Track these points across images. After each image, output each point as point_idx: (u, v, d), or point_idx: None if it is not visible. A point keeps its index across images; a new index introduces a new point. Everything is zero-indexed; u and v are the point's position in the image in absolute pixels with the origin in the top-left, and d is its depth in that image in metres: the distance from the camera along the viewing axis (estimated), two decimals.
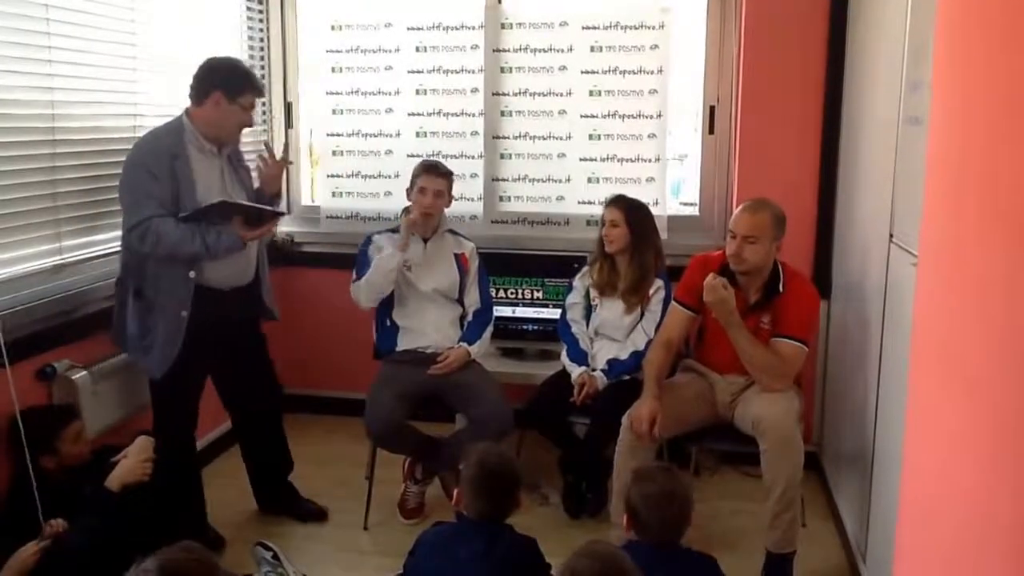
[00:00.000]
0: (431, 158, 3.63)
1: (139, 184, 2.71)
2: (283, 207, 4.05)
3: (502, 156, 4.00)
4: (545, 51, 3.88)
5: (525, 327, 3.78)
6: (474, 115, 3.99)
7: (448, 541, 2.20)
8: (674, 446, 3.12)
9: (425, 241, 3.33)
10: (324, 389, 4.17)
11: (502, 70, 3.94)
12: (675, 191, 4.40)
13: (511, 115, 3.96)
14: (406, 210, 3.35)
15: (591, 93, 3.87)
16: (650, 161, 3.85)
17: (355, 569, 2.94)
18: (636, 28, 3.79)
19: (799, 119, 3.51)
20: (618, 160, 3.88)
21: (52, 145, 2.78)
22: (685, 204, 4.26)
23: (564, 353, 3.32)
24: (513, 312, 3.77)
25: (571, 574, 1.76)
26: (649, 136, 3.85)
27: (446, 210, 3.39)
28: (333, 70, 4.08)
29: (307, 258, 4.16)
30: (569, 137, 3.92)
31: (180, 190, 2.73)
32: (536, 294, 3.78)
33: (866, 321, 2.85)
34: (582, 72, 3.86)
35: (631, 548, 1.99)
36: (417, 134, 4.04)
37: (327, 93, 4.11)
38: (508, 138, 3.98)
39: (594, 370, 3.21)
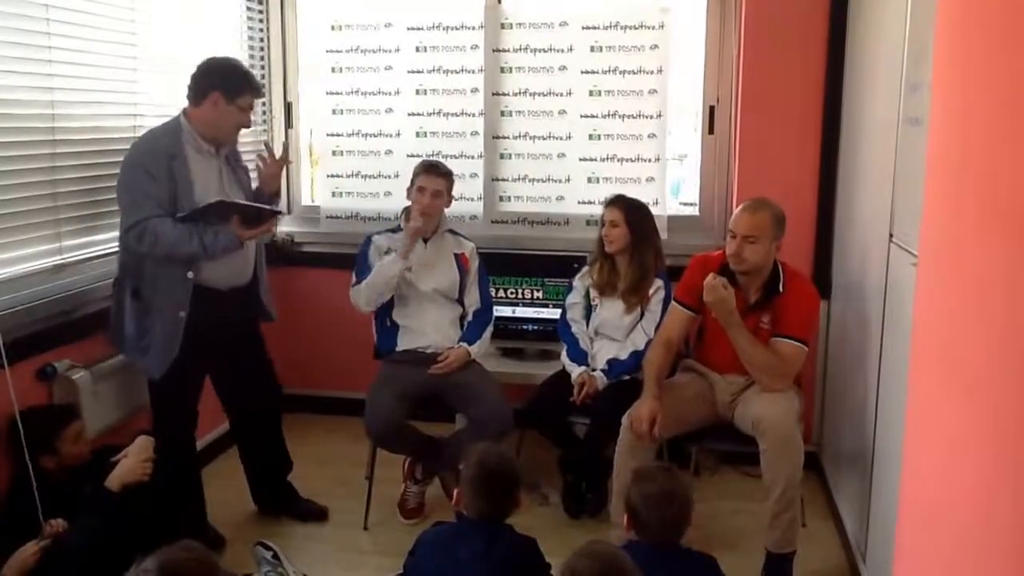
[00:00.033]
0: (431, 158, 3.64)
1: (137, 184, 2.71)
2: (283, 207, 4.06)
3: (502, 156, 4.00)
4: (545, 51, 3.88)
5: (525, 327, 3.78)
6: (474, 115, 3.99)
7: (448, 541, 2.20)
8: (674, 446, 3.12)
9: (425, 241, 3.33)
10: (324, 389, 4.17)
11: (502, 70, 3.94)
12: (675, 191, 4.40)
13: (511, 115, 3.96)
14: (406, 210, 3.35)
15: (591, 93, 3.87)
16: (650, 161, 3.85)
17: (355, 569, 2.94)
18: (636, 28, 3.79)
19: (799, 119, 3.51)
20: (618, 160, 3.88)
21: (52, 145, 2.78)
22: (685, 204, 4.26)
23: (564, 353, 3.32)
24: (513, 312, 3.77)
25: (571, 574, 1.76)
26: (649, 136, 3.85)
27: (446, 210, 3.39)
28: (333, 70, 4.08)
29: (307, 258, 4.16)
30: (569, 137, 3.92)
31: (178, 190, 2.73)
32: (536, 294, 3.78)
33: (866, 321, 2.85)
34: (582, 72, 3.86)
35: (631, 548, 1.99)
36: (417, 134, 4.04)
37: (327, 93, 4.11)
38: (508, 138, 3.98)
39: (594, 370, 3.21)
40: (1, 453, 2.48)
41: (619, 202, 3.29)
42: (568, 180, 3.95)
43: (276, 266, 3.83)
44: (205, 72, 2.82)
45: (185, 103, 2.84)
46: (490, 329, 3.39)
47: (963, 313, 1.51)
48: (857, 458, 2.88)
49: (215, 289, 2.85)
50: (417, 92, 4.02)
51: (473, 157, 4.01)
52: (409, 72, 4.01)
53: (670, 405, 2.88)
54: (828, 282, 3.49)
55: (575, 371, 3.20)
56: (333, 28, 4.05)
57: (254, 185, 3.11)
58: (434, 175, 3.27)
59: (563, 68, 3.87)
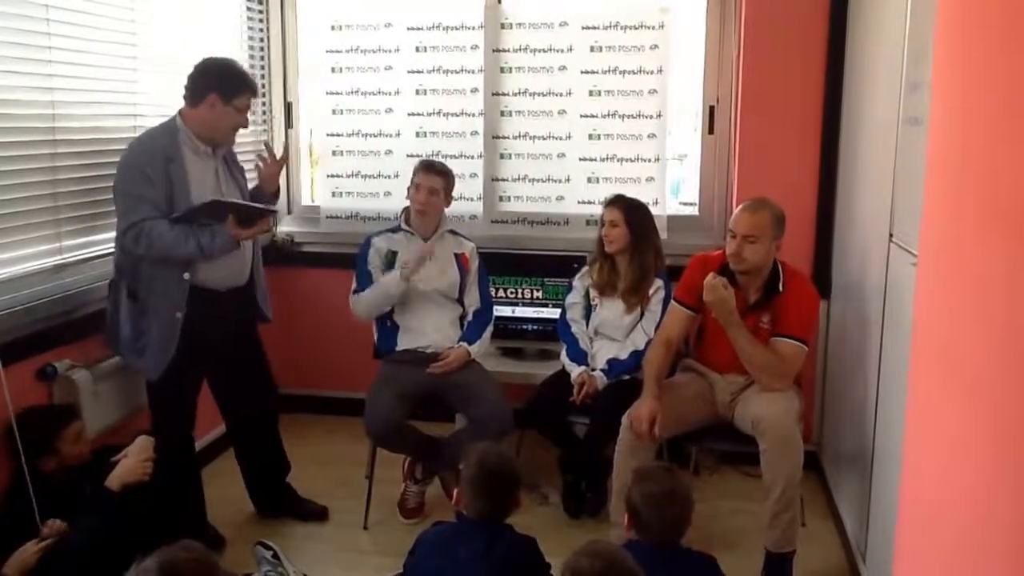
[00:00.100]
0: (430, 157, 3.64)
1: (133, 186, 2.70)
2: (282, 207, 4.08)
3: (502, 156, 4.00)
4: (545, 51, 3.88)
5: (525, 327, 3.78)
6: (474, 115, 3.99)
7: (448, 541, 2.21)
8: (674, 446, 3.12)
9: (425, 241, 3.33)
10: (324, 389, 4.17)
11: (502, 70, 3.94)
12: (675, 191, 4.41)
13: (511, 115, 3.96)
14: (406, 210, 3.36)
15: (591, 93, 3.87)
16: (650, 161, 3.85)
17: (355, 569, 2.94)
18: (636, 28, 3.79)
19: (799, 119, 3.52)
20: (618, 160, 3.88)
21: (52, 145, 2.77)
22: (685, 204, 4.26)
23: (564, 353, 3.32)
24: (513, 312, 3.77)
25: (572, 573, 1.76)
26: (649, 136, 3.85)
27: (446, 210, 3.39)
28: (333, 70, 4.08)
29: (307, 258, 4.16)
30: (569, 137, 3.92)
31: (174, 192, 2.72)
32: (536, 294, 3.78)
33: (866, 321, 2.86)
34: (582, 72, 3.86)
35: (631, 548, 1.99)
36: (417, 134, 4.04)
37: (327, 93, 4.11)
38: (508, 138, 3.98)
39: (594, 370, 3.21)
40: (1, 453, 2.48)
41: (619, 202, 3.29)
42: (568, 180, 3.95)
43: (276, 266, 3.84)
44: (201, 73, 2.81)
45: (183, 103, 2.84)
46: (490, 329, 3.39)
47: (963, 313, 1.52)
48: (857, 458, 2.88)
49: (212, 290, 2.84)
50: (417, 92, 4.02)
51: (473, 157, 4.01)
52: (409, 72, 4.01)
53: (670, 405, 2.88)
54: (828, 282, 3.49)
55: (575, 371, 3.20)
56: (333, 28, 4.05)
57: (252, 185, 3.11)
58: (430, 173, 3.27)
59: (563, 68, 3.87)
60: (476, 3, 3.91)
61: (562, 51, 3.87)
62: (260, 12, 4.06)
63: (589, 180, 3.92)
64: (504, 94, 3.95)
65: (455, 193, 3.41)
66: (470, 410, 3.20)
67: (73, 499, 2.38)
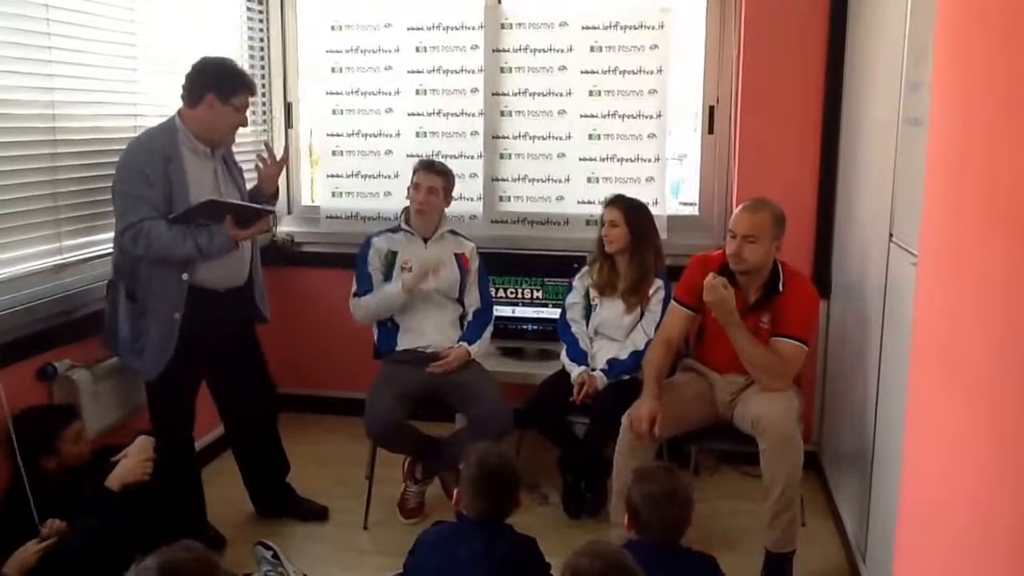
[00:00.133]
0: (429, 157, 3.64)
1: (132, 187, 2.70)
2: (282, 207, 4.08)
3: (502, 156, 4.00)
4: (545, 51, 3.88)
5: (525, 327, 3.78)
6: (474, 115, 3.99)
7: (448, 541, 2.21)
8: (674, 446, 3.12)
9: (425, 241, 3.33)
10: (324, 389, 4.18)
11: (502, 70, 3.94)
12: (675, 191, 4.40)
13: (511, 115, 3.96)
14: (406, 210, 3.36)
15: (591, 93, 3.87)
16: (650, 161, 3.85)
17: (355, 569, 2.94)
18: (636, 28, 3.79)
19: (799, 119, 3.52)
20: (618, 160, 3.88)
21: (52, 145, 2.78)
22: (685, 204, 4.26)
23: (564, 353, 3.32)
24: (513, 312, 3.77)
25: (573, 573, 1.76)
26: (649, 136, 3.85)
27: (446, 210, 3.39)
28: (333, 70, 4.08)
29: (307, 258, 4.16)
30: (569, 137, 3.92)
31: (173, 192, 2.72)
32: (536, 294, 3.78)
33: (866, 321, 2.86)
34: (582, 72, 3.86)
35: (632, 548, 1.99)
36: (417, 134, 4.04)
37: (327, 93, 4.11)
38: (508, 138, 3.98)
39: (594, 370, 3.21)
40: (1, 453, 2.48)
41: (619, 202, 3.29)
42: (568, 180, 3.95)
43: (276, 266, 3.85)
44: (199, 72, 2.80)
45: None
46: (490, 329, 3.39)
47: (963, 313, 1.52)
48: (857, 458, 2.88)
49: (211, 290, 2.84)
50: (417, 92, 4.02)
51: (473, 157, 4.01)
52: (409, 72, 4.01)
53: (670, 405, 2.88)
54: (828, 282, 3.49)
55: (575, 371, 3.20)
56: (333, 28, 4.05)
57: (251, 186, 3.11)
58: (430, 172, 3.27)
59: (563, 68, 3.87)
60: (476, 3, 3.91)
61: (562, 51, 3.87)
62: (260, 12, 4.06)
63: (589, 180, 3.92)
64: (504, 94, 3.95)
65: (455, 193, 3.41)
66: (470, 410, 3.20)
67: (73, 499, 2.38)
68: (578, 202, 3.94)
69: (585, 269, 3.40)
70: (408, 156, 3.96)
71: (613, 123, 3.87)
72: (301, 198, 4.30)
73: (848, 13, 3.38)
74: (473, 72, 3.96)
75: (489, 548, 2.13)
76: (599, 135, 3.89)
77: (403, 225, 3.35)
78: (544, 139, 3.95)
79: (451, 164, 3.42)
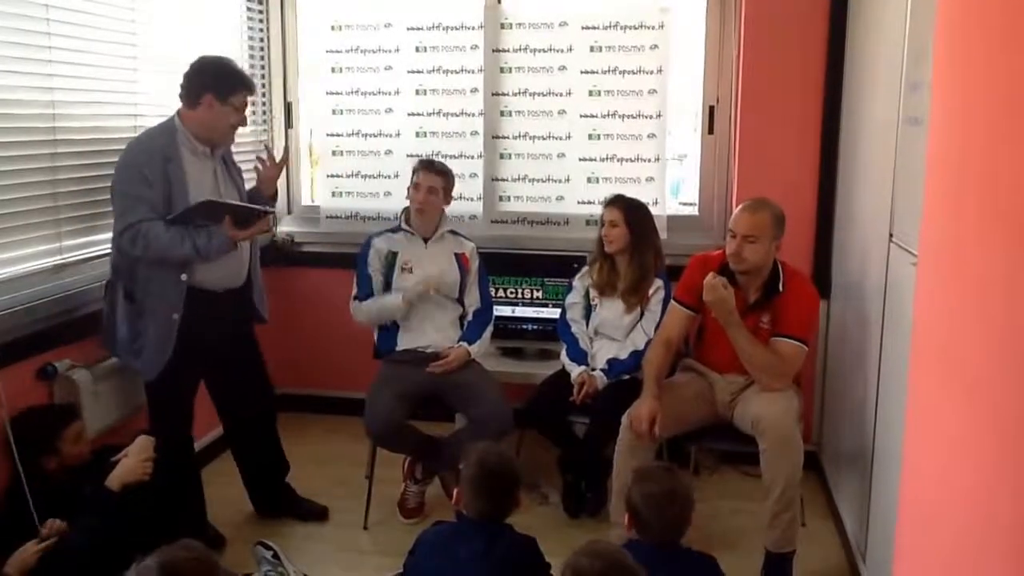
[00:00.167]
0: (429, 156, 3.64)
1: (131, 187, 2.70)
2: (281, 207, 4.08)
3: (502, 156, 4.00)
4: (545, 51, 3.88)
5: (525, 327, 3.78)
6: (474, 115, 3.99)
7: (448, 540, 2.21)
8: (674, 446, 3.12)
9: (426, 241, 3.33)
10: (324, 389, 4.18)
11: (502, 70, 3.94)
12: (675, 191, 4.41)
13: (511, 115, 3.96)
14: (406, 210, 3.36)
15: (591, 93, 3.87)
16: (650, 161, 3.85)
17: (355, 569, 2.94)
18: (636, 28, 3.79)
19: (799, 119, 3.51)
20: (618, 160, 3.88)
21: (52, 145, 2.77)
22: (685, 204, 4.26)
23: (564, 352, 3.32)
24: (513, 312, 3.77)
25: (573, 573, 1.76)
26: (649, 136, 3.85)
27: (446, 210, 3.39)
28: (333, 70, 4.08)
29: (307, 258, 4.16)
30: (569, 137, 3.92)
31: (173, 193, 2.72)
32: (536, 294, 3.78)
33: (866, 321, 2.86)
34: (582, 72, 3.86)
35: (632, 548, 1.99)
36: (417, 134, 4.04)
37: (327, 93, 4.11)
38: (508, 138, 3.98)
39: (594, 370, 3.21)
40: (2, 454, 2.48)
41: (618, 202, 3.29)
42: (568, 180, 3.95)
43: (276, 266, 3.85)
44: (196, 72, 2.80)
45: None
46: (490, 329, 3.40)
47: (963, 313, 1.52)
48: (857, 458, 2.88)
49: (209, 291, 2.84)
50: (417, 92, 4.02)
51: (473, 157, 4.01)
52: (409, 72, 4.01)
53: (670, 405, 2.88)
54: (828, 282, 3.50)
55: (575, 371, 3.20)
56: (333, 28, 4.05)
57: (250, 186, 3.11)
58: (430, 171, 3.28)
59: (563, 68, 3.87)
60: (476, 3, 3.91)
61: (562, 51, 3.86)
62: (260, 12, 4.06)
63: (589, 180, 3.92)
64: (504, 94, 3.95)
65: (455, 193, 3.41)
66: (470, 410, 3.20)
67: (73, 499, 2.38)
68: (578, 202, 3.94)
69: (585, 269, 3.40)
70: (408, 156, 3.96)
71: (613, 123, 3.87)
72: (301, 198, 4.30)
73: (848, 13, 3.38)
74: (473, 72, 3.96)
75: (489, 548, 2.13)
76: (599, 135, 3.89)
77: (403, 225, 3.35)
78: (544, 139, 3.95)
79: (451, 164, 3.42)
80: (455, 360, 3.22)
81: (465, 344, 3.28)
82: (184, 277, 2.75)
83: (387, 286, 3.31)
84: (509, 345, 3.80)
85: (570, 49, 3.86)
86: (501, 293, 3.74)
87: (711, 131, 3.82)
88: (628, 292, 3.26)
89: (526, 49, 3.90)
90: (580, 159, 3.92)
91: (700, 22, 3.77)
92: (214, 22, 3.69)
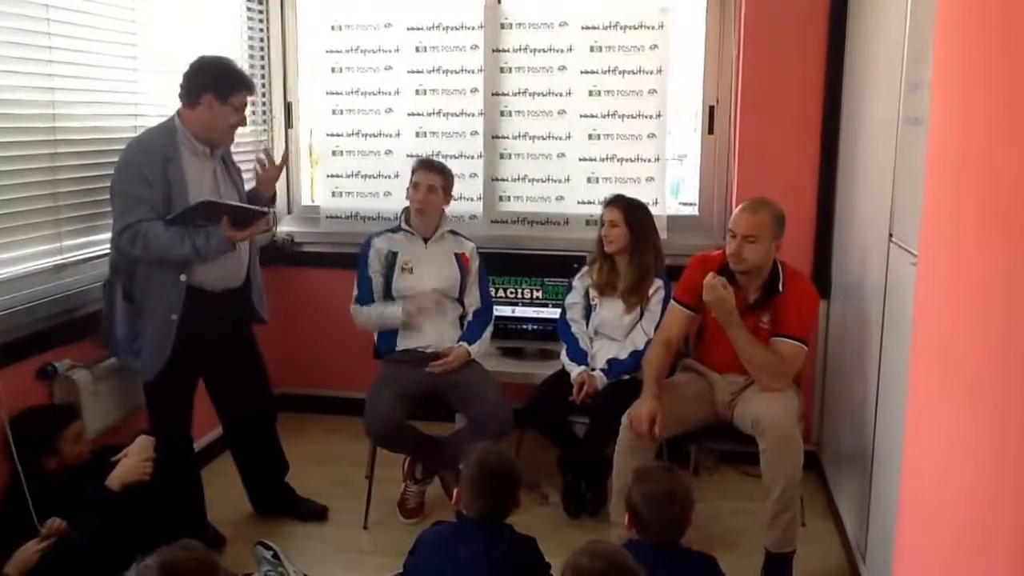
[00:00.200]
0: (428, 156, 3.64)
1: (131, 187, 2.70)
2: (281, 207, 4.08)
3: (502, 156, 4.00)
4: (545, 51, 3.88)
5: (525, 327, 3.78)
6: (474, 115, 3.99)
7: (448, 540, 2.21)
8: (674, 446, 3.12)
9: (426, 241, 3.33)
10: (324, 389, 4.18)
11: (502, 70, 3.94)
12: (674, 191, 4.41)
13: (511, 115, 3.96)
14: (406, 210, 3.36)
15: (591, 93, 3.87)
16: (649, 161, 3.85)
17: (355, 569, 2.94)
18: (636, 28, 3.79)
19: (799, 119, 3.52)
20: (618, 160, 3.88)
21: (52, 145, 2.77)
22: (684, 204, 4.27)
23: (564, 352, 3.32)
24: (513, 312, 3.77)
25: (573, 573, 1.76)
26: (648, 136, 3.85)
27: (446, 209, 3.39)
28: (333, 70, 4.08)
29: (307, 258, 4.16)
30: (569, 137, 3.92)
31: (172, 193, 2.71)
32: (536, 294, 3.78)
33: (866, 321, 2.86)
34: (582, 72, 3.86)
35: (631, 548, 1.99)
36: (417, 134, 4.05)
37: (327, 93, 4.11)
38: (508, 138, 3.98)
39: (593, 370, 3.21)
40: (2, 454, 2.48)
41: (618, 202, 3.29)
42: (568, 180, 3.95)
43: (276, 266, 3.85)
44: (196, 72, 2.80)
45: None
46: (490, 329, 3.40)
47: (963, 313, 1.52)
48: (857, 458, 2.88)
49: (208, 291, 2.83)
50: (417, 92, 4.02)
51: (473, 157, 4.01)
52: (409, 72, 4.01)
53: (670, 405, 2.88)
54: (828, 282, 3.50)
55: (575, 371, 3.20)
56: (333, 28, 4.05)
57: (249, 187, 3.10)
58: (429, 171, 3.28)
59: (563, 68, 3.87)
60: (476, 3, 3.91)
61: (562, 51, 3.86)
62: (260, 12, 4.06)
63: (589, 180, 3.92)
64: (504, 94, 3.95)
65: (455, 193, 3.41)
66: (470, 410, 3.20)
67: (73, 499, 2.38)
68: (578, 202, 3.94)
69: (585, 269, 3.40)
70: (408, 156, 3.95)
71: (613, 123, 3.87)
72: (301, 198, 4.30)
73: (848, 13, 3.38)
74: (473, 72, 3.96)
75: (489, 548, 2.13)
76: (599, 135, 3.89)
77: (403, 225, 3.35)
78: (544, 139, 3.95)
79: (451, 164, 3.42)
80: (455, 360, 3.22)
81: (465, 344, 3.28)
82: (183, 277, 2.75)
83: (387, 286, 3.31)
84: (509, 345, 3.80)
85: (570, 49, 3.86)
86: (501, 293, 3.74)
87: (711, 131, 3.82)
88: (628, 292, 3.26)
89: (526, 49, 3.90)
90: (580, 159, 3.92)
91: (700, 22, 3.77)
92: (214, 22, 3.69)
